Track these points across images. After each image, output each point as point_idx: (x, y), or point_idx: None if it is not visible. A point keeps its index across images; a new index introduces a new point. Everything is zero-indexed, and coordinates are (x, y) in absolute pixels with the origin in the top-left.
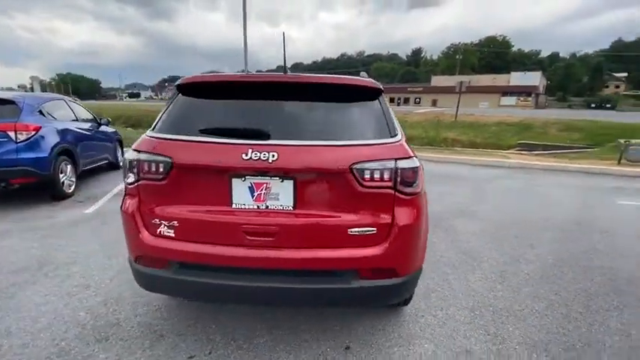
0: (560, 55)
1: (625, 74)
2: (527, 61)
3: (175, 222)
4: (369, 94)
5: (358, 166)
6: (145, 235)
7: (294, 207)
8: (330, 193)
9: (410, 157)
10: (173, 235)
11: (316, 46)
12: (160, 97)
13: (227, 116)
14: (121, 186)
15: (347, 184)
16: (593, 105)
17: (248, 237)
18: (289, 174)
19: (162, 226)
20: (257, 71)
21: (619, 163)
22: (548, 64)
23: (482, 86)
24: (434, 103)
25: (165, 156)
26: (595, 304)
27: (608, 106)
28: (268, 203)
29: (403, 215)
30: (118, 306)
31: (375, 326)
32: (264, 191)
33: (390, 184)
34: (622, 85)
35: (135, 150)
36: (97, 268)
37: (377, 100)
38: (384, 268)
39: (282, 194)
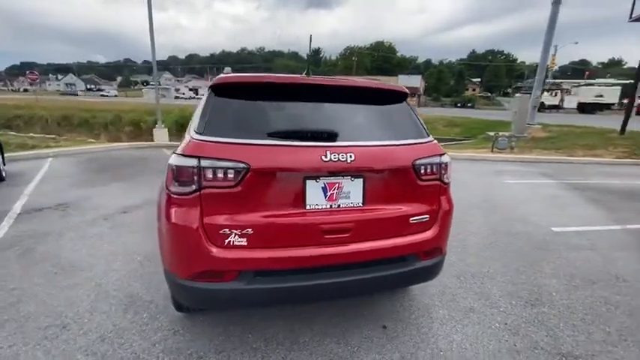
0: (432, 61)
1: (479, 79)
2: (408, 66)
3: (249, 229)
4: (399, 97)
5: (418, 162)
6: (212, 247)
7: (364, 203)
8: (394, 188)
9: (445, 154)
10: (246, 243)
11: (214, 38)
12: (11, 87)
13: (287, 119)
14: (21, 202)
15: (408, 179)
16: (459, 104)
17: (325, 236)
18: (360, 173)
19: (233, 235)
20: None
21: (492, 151)
22: (424, 69)
23: None
24: None
25: (239, 161)
26: (530, 258)
27: (469, 105)
28: (340, 202)
29: (444, 202)
30: (125, 341)
31: (398, 305)
32: (336, 191)
33: (437, 176)
34: (477, 87)
35: (190, 156)
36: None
37: (405, 103)
38: (435, 248)
39: (352, 192)
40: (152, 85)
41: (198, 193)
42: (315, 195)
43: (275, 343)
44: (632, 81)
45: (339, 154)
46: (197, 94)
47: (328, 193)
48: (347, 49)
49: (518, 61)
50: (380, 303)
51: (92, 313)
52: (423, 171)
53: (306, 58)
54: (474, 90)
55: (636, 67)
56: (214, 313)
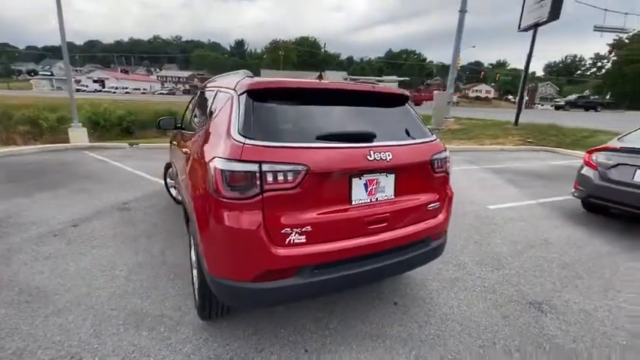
0: (354, 58)
1: (394, 77)
2: (332, 62)
3: (308, 227)
4: (403, 100)
5: (433, 157)
6: (274, 247)
7: (395, 195)
8: (416, 181)
9: (447, 149)
10: (304, 240)
11: (122, 23)
12: None
13: (328, 121)
14: None
15: (426, 172)
16: None
17: (367, 227)
18: (393, 169)
19: (294, 234)
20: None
21: None
22: (347, 65)
23: None
24: None
25: (301, 164)
26: (482, 232)
27: None
28: (377, 196)
29: (449, 190)
30: (155, 358)
31: (399, 283)
32: (374, 186)
33: (444, 169)
34: (395, 84)
35: (250, 161)
36: None
37: (407, 105)
38: (443, 229)
39: (386, 186)
40: (43, 75)
41: (260, 196)
42: (358, 191)
43: (308, 332)
44: (407, 78)
45: (380, 153)
46: (104, 87)
47: (368, 189)
48: (273, 42)
49: (427, 61)
50: (383, 284)
51: (99, 337)
52: (436, 165)
53: (229, 49)
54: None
55: (516, 67)
56: (236, 317)
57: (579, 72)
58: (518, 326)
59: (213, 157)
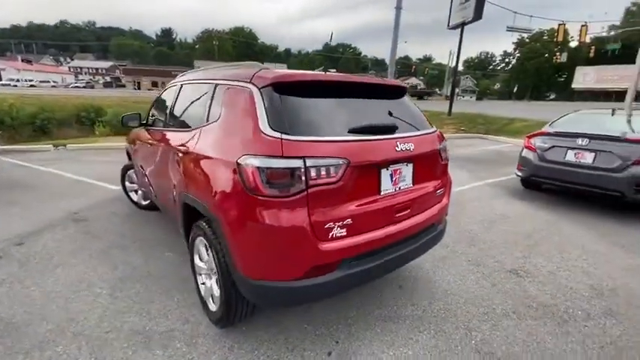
0: (292, 50)
1: (334, 70)
2: (270, 53)
3: (348, 220)
4: (403, 92)
5: (441, 147)
6: (319, 243)
7: (413, 184)
8: (428, 169)
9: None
10: (345, 233)
11: (21, 7)
12: None
13: (354, 114)
14: None
15: (435, 160)
16: None
17: (394, 215)
18: (413, 159)
19: (336, 227)
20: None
21: None
22: (285, 58)
23: None
24: None
25: (342, 158)
26: (451, 212)
27: None
28: (400, 185)
29: (449, 176)
30: None
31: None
32: (398, 176)
33: (446, 156)
34: None
35: (291, 157)
36: None
37: (406, 97)
38: (445, 213)
39: (407, 176)
40: None
41: (305, 192)
42: (386, 181)
43: (332, 324)
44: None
45: (405, 144)
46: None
47: (393, 179)
48: (205, 32)
49: (362, 55)
50: None
51: None
52: (442, 153)
53: (155, 38)
54: None
55: (441, 62)
56: (254, 320)
57: (491, 67)
58: (506, 292)
59: (243, 155)
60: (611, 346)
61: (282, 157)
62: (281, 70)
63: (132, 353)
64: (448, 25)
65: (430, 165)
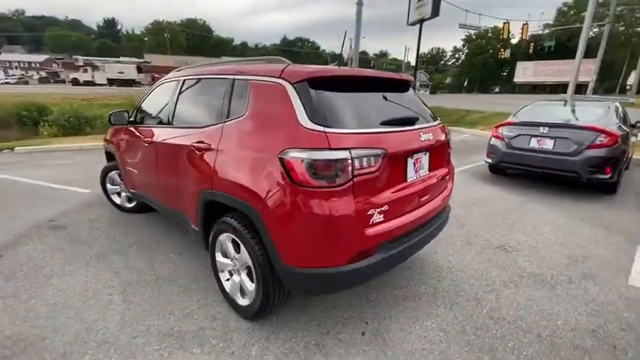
0: (249, 44)
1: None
2: (226, 47)
3: (385, 206)
4: (410, 85)
5: (448, 137)
6: (364, 228)
7: (429, 171)
8: (439, 157)
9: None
10: (383, 218)
11: None
12: None
13: (377, 107)
14: None
15: (444, 149)
16: None
17: (419, 200)
18: (430, 148)
19: (376, 214)
20: None
21: None
22: (241, 52)
23: None
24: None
25: (380, 148)
26: None
27: None
28: (420, 173)
29: (452, 164)
30: None
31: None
32: (419, 164)
33: (450, 145)
34: None
35: (338, 148)
36: None
37: (411, 90)
38: (450, 196)
39: (424, 164)
40: None
41: (352, 182)
42: (410, 169)
43: (356, 307)
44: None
45: (426, 135)
46: None
47: (415, 167)
48: (155, 23)
49: (320, 49)
50: None
51: None
52: (449, 143)
53: (96, 29)
54: None
55: (396, 58)
56: (281, 311)
57: (442, 62)
58: (500, 265)
59: (286, 149)
60: (593, 304)
61: (330, 149)
62: (310, 66)
63: (168, 355)
64: (407, 22)
65: (441, 153)
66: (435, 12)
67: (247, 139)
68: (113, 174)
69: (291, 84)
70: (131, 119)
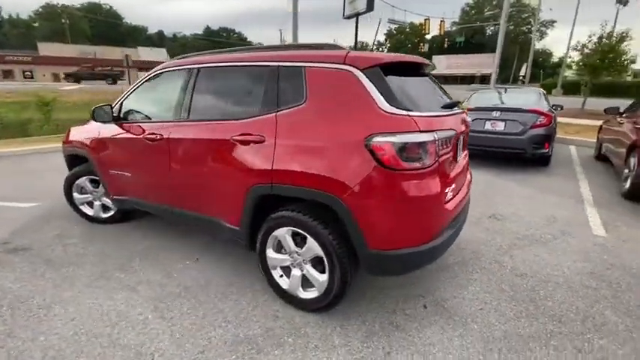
0: (166, 33)
1: None
2: (139, 36)
3: (453, 184)
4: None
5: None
6: (446, 206)
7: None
8: (464, 140)
9: None
10: (451, 197)
11: None
12: None
13: (429, 91)
14: None
15: (468, 133)
16: None
17: (464, 179)
18: (464, 131)
19: (449, 192)
20: None
21: None
22: (158, 41)
23: (115, 60)
24: (56, 78)
25: (453, 130)
26: None
27: None
28: (461, 154)
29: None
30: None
31: None
32: (460, 145)
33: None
34: None
35: (426, 131)
36: None
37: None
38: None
39: (460, 146)
40: None
41: (437, 162)
42: (460, 150)
43: (407, 284)
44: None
45: (465, 117)
46: None
47: (458, 148)
48: (47, 6)
49: (247, 41)
50: None
51: None
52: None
53: None
54: None
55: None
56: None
57: None
58: (498, 231)
59: (371, 134)
60: (579, 253)
61: (420, 131)
62: (372, 53)
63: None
64: (343, 16)
65: (465, 137)
66: (370, 6)
67: (316, 127)
68: (83, 181)
69: (360, 70)
70: (115, 116)
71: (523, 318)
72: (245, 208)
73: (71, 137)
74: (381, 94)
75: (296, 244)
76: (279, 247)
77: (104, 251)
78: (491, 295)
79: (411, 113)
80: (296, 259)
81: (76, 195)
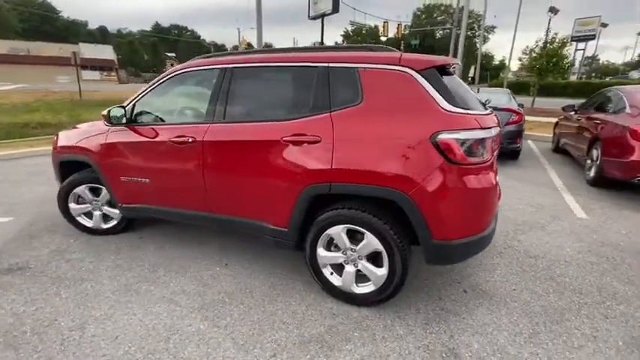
0: (109, 29)
1: (174, 54)
2: (79, 32)
3: (496, 177)
4: None
5: None
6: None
7: None
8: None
9: None
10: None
11: None
12: None
13: (463, 90)
14: None
15: None
16: None
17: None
18: None
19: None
20: None
21: None
22: (100, 37)
23: (53, 57)
24: None
25: (498, 127)
26: None
27: None
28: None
29: None
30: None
31: None
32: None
33: None
34: (175, 62)
35: (484, 128)
36: None
37: None
38: None
39: None
40: None
41: (492, 156)
42: (495, 145)
43: (446, 272)
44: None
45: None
46: None
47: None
48: None
49: (201, 39)
50: None
51: None
52: None
53: None
54: (172, 64)
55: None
56: None
57: None
58: (505, 219)
59: (436, 131)
60: (573, 234)
61: (482, 128)
62: (425, 55)
63: (326, 358)
64: (309, 16)
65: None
66: (336, 8)
67: (375, 126)
68: (81, 189)
69: (417, 71)
70: (128, 118)
71: (551, 294)
72: (295, 208)
73: (64, 143)
74: (439, 94)
75: (350, 242)
76: (329, 245)
77: (119, 264)
78: (517, 276)
79: (470, 112)
80: (350, 256)
81: (72, 205)
